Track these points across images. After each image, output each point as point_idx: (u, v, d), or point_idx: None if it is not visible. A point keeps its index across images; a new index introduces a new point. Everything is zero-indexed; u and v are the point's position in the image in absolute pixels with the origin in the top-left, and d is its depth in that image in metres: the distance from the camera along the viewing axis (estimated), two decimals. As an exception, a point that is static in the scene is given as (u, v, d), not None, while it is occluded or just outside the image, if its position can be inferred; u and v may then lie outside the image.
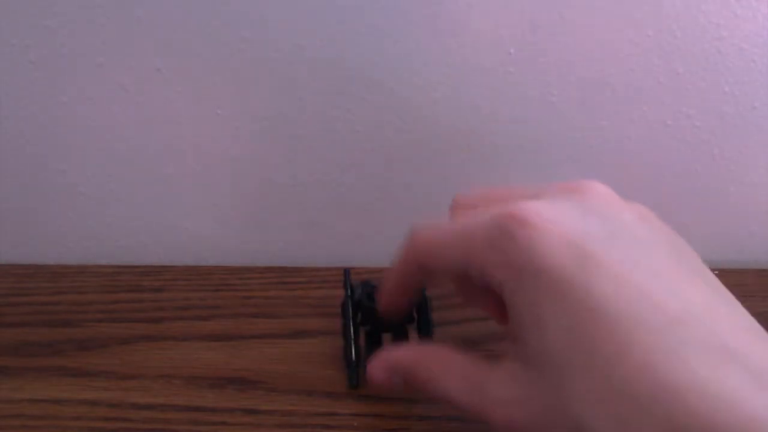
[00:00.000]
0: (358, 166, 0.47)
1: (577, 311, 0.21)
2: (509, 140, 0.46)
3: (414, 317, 0.36)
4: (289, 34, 0.42)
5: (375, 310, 0.35)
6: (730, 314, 0.21)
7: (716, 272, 0.48)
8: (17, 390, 0.35)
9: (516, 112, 0.45)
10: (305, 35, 0.42)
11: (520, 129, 0.46)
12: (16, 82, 0.43)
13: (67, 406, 0.34)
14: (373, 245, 0.49)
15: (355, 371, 0.36)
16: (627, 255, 0.22)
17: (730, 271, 0.48)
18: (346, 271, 0.36)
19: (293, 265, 0.48)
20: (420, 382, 0.28)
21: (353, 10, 0.42)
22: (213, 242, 0.49)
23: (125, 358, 0.38)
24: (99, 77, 0.43)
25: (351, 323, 0.36)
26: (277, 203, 0.48)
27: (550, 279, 0.22)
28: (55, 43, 0.42)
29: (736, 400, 0.18)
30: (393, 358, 0.30)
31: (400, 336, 0.38)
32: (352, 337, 0.36)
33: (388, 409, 0.34)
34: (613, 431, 0.19)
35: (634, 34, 0.43)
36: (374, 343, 0.37)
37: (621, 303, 0.21)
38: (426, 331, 0.36)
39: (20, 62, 0.42)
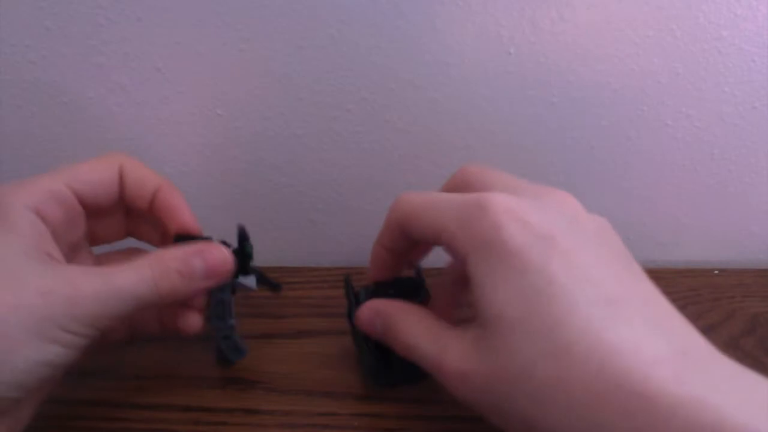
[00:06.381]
0: (358, 166, 0.47)
1: (533, 282, 0.25)
2: (509, 140, 0.46)
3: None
4: (289, 34, 0.42)
5: None
6: (654, 300, 0.26)
7: (716, 272, 0.49)
8: (17, 390, 0.35)
9: (516, 112, 0.45)
10: (305, 35, 0.42)
11: (520, 129, 0.46)
12: (16, 82, 0.43)
13: (67, 406, 0.34)
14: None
15: (383, 372, 0.35)
16: (576, 244, 0.26)
17: (730, 271, 0.49)
18: (347, 280, 0.36)
19: (293, 265, 0.48)
20: (394, 327, 0.32)
21: (353, 11, 0.42)
22: (213, 242, 0.49)
23: (125, 358, 0.38)
24: (99, 77, 0.43)
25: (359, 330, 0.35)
26: (277, 203, 0.48)
27: (511, 254, 0.26)
28: (55, 43, 0.42)
29: (658, 361, 0.23)
30: (378, 305, 0.34)
31: None
32: (366, 344, 0.35)
33: (388, 409, 0.34)
34: (555, 380, 0.24)
35: (634, 34, 0.43)
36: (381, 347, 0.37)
37: (569, 280, 0.25)
38: None
39: (20, 62, 0.42)
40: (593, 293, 0.25)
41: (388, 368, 0.35)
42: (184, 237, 0.34)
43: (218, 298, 0.35)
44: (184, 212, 0.35)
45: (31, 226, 0.30)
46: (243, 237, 0.35)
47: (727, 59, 0.44)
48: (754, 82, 0.44)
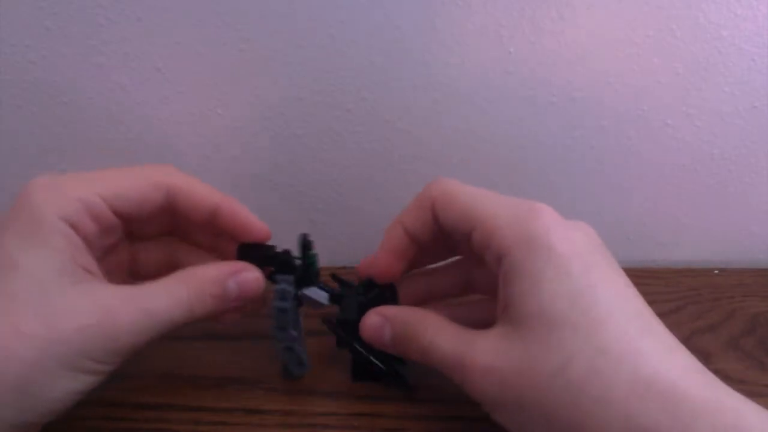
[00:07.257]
0: (358, 166, 0.47)
1: (576, 285, 0.27)
2: (509, 140, 0.46)
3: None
4: (289, 35, 0.42)
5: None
6: (653, 315, 0.29)
7: (716, 272, 0.49)
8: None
9: (516, 112, 0.45)
10: (305, 35, 0.42)
11: (520, 129, 0.46)
12: (16, 82, 0.43)
13: (67, 406, 0.34)
14: (373, 245, 0.49)
15: (402, 379, 0.35)
16: (606, 264, 0.29)
17: (730, 271, 0.49)
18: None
19: (293, 265, 0.48)
20: (410, 334, 0.31)
21: (353, 11, 0.42)
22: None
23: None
24: (99, 77, 0.43)
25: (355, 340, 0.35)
26: (277, 203, 0.48)
27: (558, 256, 0.27)
28: (55, 43, 0.42)
29: (682, 371, 0.26)
30: (388, 311, 0.33)
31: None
32: (366, 353, 0.35)
33: (388, 409, 0.34)
34: (591, 375, 0.25)
35: (634, 34, 0.43)
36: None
37: (606, 290, 0.27)
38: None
39: (20, 62, 0.42)
40: (626, 306, 0.27)
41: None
42: (248, 246, 0.34)
43: (279, 307, 0.34)
44: (251, 230, 0.34)
45: (65, 238, 0.29)
46: (307, 246, 0.34)
47: (727, 59, 0.44)
48: (754, 82, 0.44)
